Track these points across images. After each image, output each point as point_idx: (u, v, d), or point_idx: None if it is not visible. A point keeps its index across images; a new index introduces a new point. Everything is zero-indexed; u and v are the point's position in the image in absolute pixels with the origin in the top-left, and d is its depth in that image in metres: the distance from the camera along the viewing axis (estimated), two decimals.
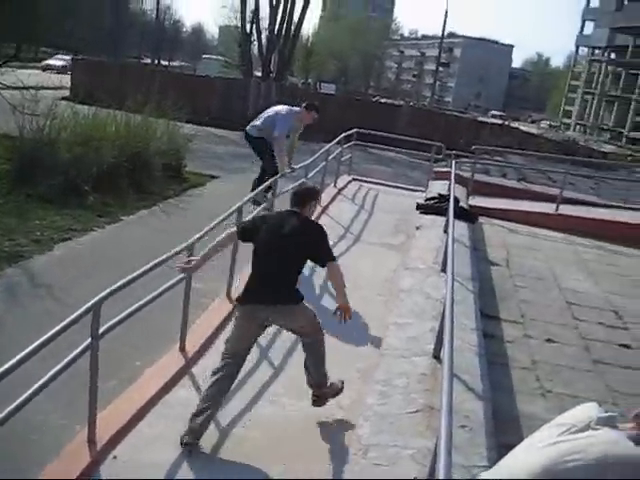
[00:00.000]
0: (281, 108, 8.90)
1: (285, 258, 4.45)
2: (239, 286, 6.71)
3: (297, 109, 8.80)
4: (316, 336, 4.46)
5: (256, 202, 8.07)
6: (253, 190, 8.40)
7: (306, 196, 4.80)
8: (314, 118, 8.88)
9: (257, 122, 8.93)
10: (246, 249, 6.74)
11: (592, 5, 71.36)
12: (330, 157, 11.30)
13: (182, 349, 5.23)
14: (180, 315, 5.23)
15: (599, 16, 65.60)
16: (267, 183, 8.29)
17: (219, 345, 5.54)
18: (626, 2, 63.31)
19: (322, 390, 4.48)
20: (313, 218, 4.95)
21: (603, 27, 63.59)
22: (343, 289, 4.47)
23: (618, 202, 14.30)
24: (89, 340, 3.68)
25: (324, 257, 4.56)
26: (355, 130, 13.32)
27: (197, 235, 5.29)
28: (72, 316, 3.50)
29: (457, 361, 3.90)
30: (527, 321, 7.06)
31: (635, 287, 9.23)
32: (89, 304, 3.64)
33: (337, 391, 4.54)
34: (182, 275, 4.94)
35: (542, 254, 10.11)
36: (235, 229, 4.77)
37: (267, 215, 5.36)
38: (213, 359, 5.31)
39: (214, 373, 4.28)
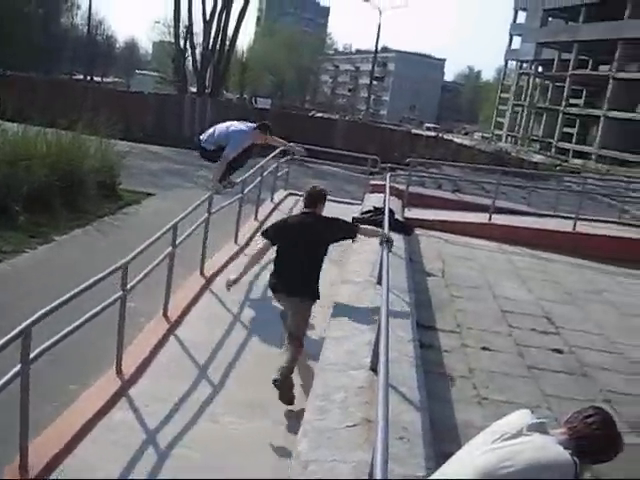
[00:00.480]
0: (237, 125, 8.74)
1: (308, 254, 5.54)
2: (177, 304, 6.70)
3: (251, 126, 8.70)
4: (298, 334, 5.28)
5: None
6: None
7: (318, 197, 5.88)
8: (266, 138, 8.94)
9: (211, 137, 8.73)
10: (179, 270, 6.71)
11: (519, 21, 73.56)
12: (266, 172, 11.31)
13: (118, 371, 5.14)
14: (116, 336, 5.15)
15: (526, 31, 67.69)
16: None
17: (156, 366, 5.49)
18: (550, 18, 65.68)
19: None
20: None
21: (530, 42, 65.62)
22: (376, 233, 6.31)
23: (548, 211, 14.74)
24: (19, 366, 3.58)
25: (351, 234, 6.03)
26: None
27: (132, 254, 5.23)
28: (1, 341, 3.40)
29: (394, 373, 3.96)
30: (463, 330, 7.20)
31: (565, 293, 9.52)
32: (19, 328, 3.54)
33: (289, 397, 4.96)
34: (117, 295, 4.91)
35: (477, 263, 10.33)
36: (265, 240, 5.70)
37: (287, 219, 6.45)
38: (151, 380, 5.26)
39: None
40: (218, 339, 6.23)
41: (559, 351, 7.04)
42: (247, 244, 9.17)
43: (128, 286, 5.07)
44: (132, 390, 5.01)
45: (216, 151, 8.58)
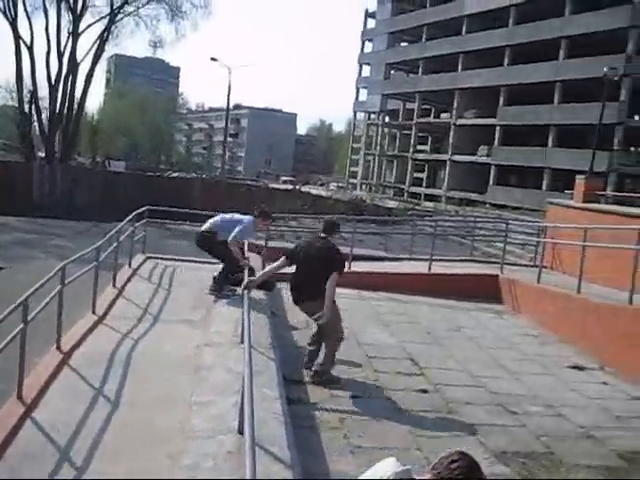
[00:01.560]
0: (240, 218, 9.30)
1: (311, 271, 6.89)
2: (32, 383, 6.30)
3: (250, 218, 9.22)
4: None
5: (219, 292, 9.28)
6: (216, 283, 9.42)
7: (332, 226, 7.46)
8: (264, 223, 9.71)
9: (214, 227, 9.39)
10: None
11: (365, 74, 76.92)
12: (122, 237, 11.02)
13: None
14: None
15: (371, 84, 70.97)
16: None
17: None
18: (393, 71, 69.39)
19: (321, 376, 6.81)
20: None
21: (376, 94, 68.78)
22: (330, 300, 6.93)
23: (404, 254, 15.28)
24: None
25: (336, 269, 6.94)
26: (146, 207, 13.12)
27: None
28: None
29: (263, 433, 3.92)
30: None
31: (427, 333, 9.86)
32: None
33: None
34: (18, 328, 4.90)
35: (340, 312, 10.47)
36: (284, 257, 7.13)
37: (307, 241, 8.03)
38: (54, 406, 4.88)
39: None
40: (80, 417, 5.90)
41: (425, 391, 7.24)
42: (106, 313, 8.83)
43: None
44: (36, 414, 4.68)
45: (224, 242, 9.07)
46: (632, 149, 49.23)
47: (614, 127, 39.84)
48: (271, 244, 13.76)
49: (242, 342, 6.17)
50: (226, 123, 58.30)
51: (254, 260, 11.85)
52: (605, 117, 30.00)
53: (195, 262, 13.48)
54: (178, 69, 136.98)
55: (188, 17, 41.48)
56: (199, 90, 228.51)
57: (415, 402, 6.87)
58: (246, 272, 8.32)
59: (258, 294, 9.29)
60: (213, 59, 54.28)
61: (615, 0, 40.46)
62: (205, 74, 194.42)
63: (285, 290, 11.39)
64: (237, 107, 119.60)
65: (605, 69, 20.23)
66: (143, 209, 12.98)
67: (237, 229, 8.95)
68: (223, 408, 4.88)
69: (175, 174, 56.42)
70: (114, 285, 10.20)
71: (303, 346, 8.29)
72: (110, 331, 7.63)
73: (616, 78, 20.89)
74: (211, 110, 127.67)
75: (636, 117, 45.53)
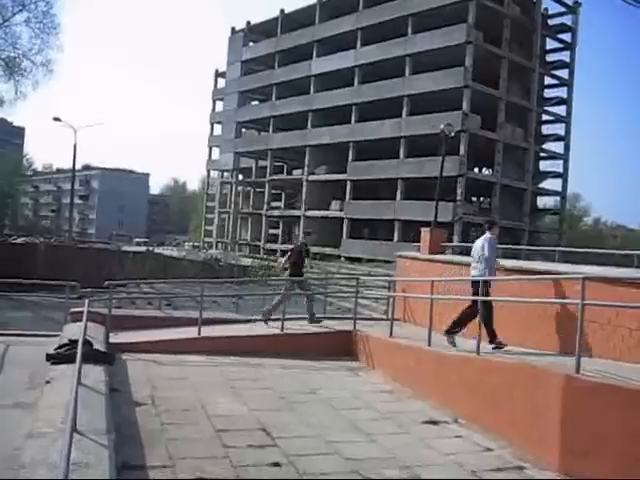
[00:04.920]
0: None
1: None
2: None
3: None
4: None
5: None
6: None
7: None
8: None
9: None
10: None
11: (216, 133, 77.07)
12: None
13: None
14: None
15: (223, 143, 71.14)
16: None
17: None
18: (244, 130, 70.04)
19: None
20: None
21: (228, 152, 68.98)
22: None
23: (257, 315, 14.92)
24: None
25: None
26: None
27: None
28: None
29: None
30: (176, 462, 6.66)
31: (280, 398, 9.48)
32: None
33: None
34: None
35: (189, 382, 9.93)
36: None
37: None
38: None
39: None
40: None
41: (277, 464, 6.83)
42: None
43: None
44: None
45: None
46: (474, 199, 52.15)
47: (456, 179, 42.03)
48: (117, 312, 12.99)
49: (76, 430, 5.54)
50: (72, 184, 56.25)
51: (95, 330, 11.12)
52: (448, 170, 31.56)
53: (34, 335, 12.51)
54: (23, 129, 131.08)
55: (28, 76, 39.89)
56: (47, 151, 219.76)
57: (267, 478, 6.44)
58: (80, 341, 7.61)
59: (96, 369, 8.59)
60: (56, 119, 52.33)
61: (451, 62, 43.17)
62: (52, 134, 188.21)
63: (130, 361, 10.75)
64: (87, 168, 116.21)
65: (442, 126, 21.18)
66: None
67: None
68: None
69: (19, 239, 53.32)
70: None
71: (147, 423, 7.69)
72: None
73: (452, 134, 21.88)
74: (59, 171, 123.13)
75: (475, 170, 48.38)
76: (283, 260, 15.03)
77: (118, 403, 8.03)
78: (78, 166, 67.65)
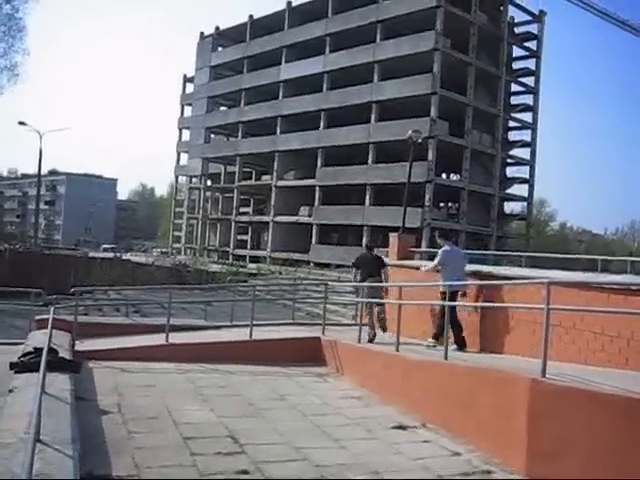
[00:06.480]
0: None
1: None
2: None
3: None
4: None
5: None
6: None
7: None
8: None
9: None
10: None
11: (185, 138, 76.58)
12: None
13: None
14: None
15: (191, 148, 70.78)
16: None
17: None
18: (213, 135, 69.77)
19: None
20: None
21: (196, 157, 68.66)
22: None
23: (225, 322, 14.85)
24: None
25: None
26: None
27: None
28: None
29: None
30: (142, 471, 6.57)
31: (249, 405, 9.42)
32: None
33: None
34: None
35: (157, 389, 9.83)
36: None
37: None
38: None
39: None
40: None
41: (245, 472, 6.78)
42: None
43: None
44: None
45: None
46: (442, 205, 52.55)
47: (425, 185, 42.31)
48: (84, 319, 12.83)
49: (39, 440, 5.44)
50: (38, 189, 55.48)
51: (61, 338, 10.97)
52: (416, 175, 31.76)
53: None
54: None
55: None
56: (12, 156, 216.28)
57: None
58: (45, 349, 7.49)
59: (61, 377, 8.45)
60: (22, 123, 51.64)
61: (420, 68, 43.53)
62: (18, 139, 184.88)
63: (96, 369, 10.61)
64: (53, 173, 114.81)
65: (409, 132, 21.29)
66: None
67: None
68: None
69: None
70: None
71: (114, 432, 7.60)
72: None
73: (420, 140, 22.01)
74: (25, 176, 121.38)
75: (443, 175, 48.76)
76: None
77: (84, 412, 7.91)
78: (44, 171, 67.00)
